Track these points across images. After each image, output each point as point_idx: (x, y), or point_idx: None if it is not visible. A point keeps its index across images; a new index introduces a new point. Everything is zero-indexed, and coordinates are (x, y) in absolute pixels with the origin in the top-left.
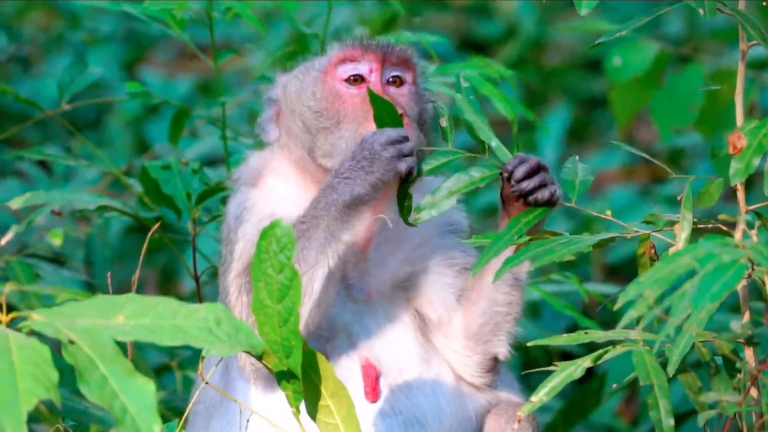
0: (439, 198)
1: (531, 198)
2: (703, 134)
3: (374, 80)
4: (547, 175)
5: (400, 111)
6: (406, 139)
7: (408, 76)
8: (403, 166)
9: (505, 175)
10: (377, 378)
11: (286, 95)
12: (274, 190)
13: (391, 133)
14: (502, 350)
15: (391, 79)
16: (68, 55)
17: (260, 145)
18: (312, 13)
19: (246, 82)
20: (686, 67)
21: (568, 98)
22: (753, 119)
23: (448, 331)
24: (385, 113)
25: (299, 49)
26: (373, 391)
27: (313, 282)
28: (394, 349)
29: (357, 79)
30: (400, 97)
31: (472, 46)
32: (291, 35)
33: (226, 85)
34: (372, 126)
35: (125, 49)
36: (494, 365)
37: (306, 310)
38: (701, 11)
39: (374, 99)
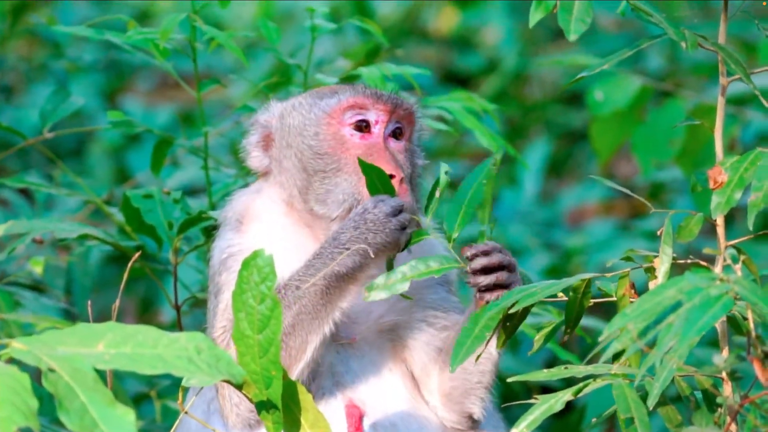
0: (393, 281)
1: (479, 296)
2: (684, 169)
3: (379, 131)
4: (508, 274)
5: (395, 172)
6: (404, 208)
7: (408, 131)
8: (403, 239)
9: (467, 256)
10: (361, 418)
11: (282, 126)
12: (260, 235)
13: (392, 203)
14: (476, 411)
15: (393, 132)
16: (50, 83)
17: (243, 172)
18: (295, 43)
19: (228, 112)
20: (667, 102)
21: (548, 132)
22: (734, 154)
23: (427, 385)
24: (377, 180)
25: (282, 79)
26: (356, 431)
27: (306, 346)
28: (378, 390)
29: (363, 127)
30: (398, 153)
31: (454, 79)
32: (274, 66)
33: (208, 115)
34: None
35: (107, 79)
36: (472, 420)
37: (297, 371)
38: (683, 44)
39: (365, 167)
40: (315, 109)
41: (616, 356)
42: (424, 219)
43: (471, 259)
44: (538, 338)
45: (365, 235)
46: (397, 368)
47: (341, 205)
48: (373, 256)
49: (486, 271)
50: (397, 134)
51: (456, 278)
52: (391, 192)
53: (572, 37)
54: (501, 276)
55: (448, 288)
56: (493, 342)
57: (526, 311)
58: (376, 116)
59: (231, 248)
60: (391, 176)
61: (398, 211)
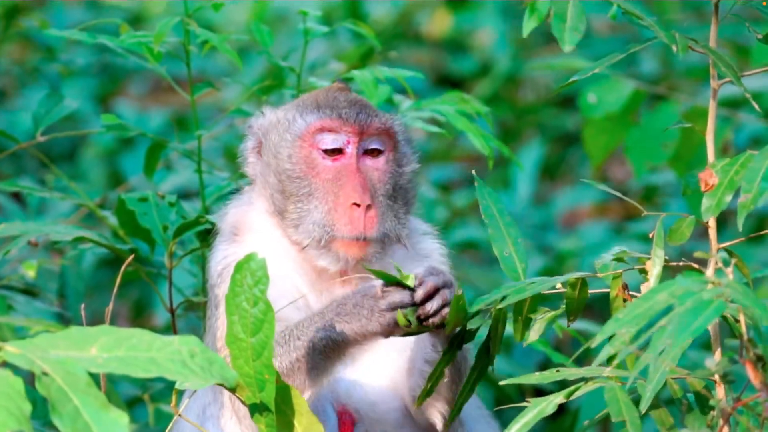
0: None
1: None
2: (678, 172)
3: (350, 152)
4: (449, 290)
5: (359, 200)
6: (403, 305)
7: (388, 144)
8: (398, 333)
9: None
10: (353, 424)
11: (266, 142)
12: (256, 246)
13: (395, 299)
14: (438, 423)
15: (369, 149)
16: (43, 87)
17: (236, 176)
18: (288, 47)
19: (221, 115)
20: (660, 105)
21: (542, 135)
22: (727, 157)
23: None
24: (385, 278)
25: (275, 83)
26: None
27: (305, 387)
28: (371, 397)
29: (334, 151)
30: (374, 171)
31: (448, 82)
32: (267, 69)
33: (201, 119)
34: (340, 207)
35: (100, 82)
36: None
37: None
38: (674, 47)
39: (374, 271)
40: (289, 129)
41: (611, 359)
42: (417, 224)
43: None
44: (538, 327)
45: (359, 319)
46: (389, 374)
47: (311, 234)
48: (366, 333)
49: (430, 296)
50: (374, 152)
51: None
52: (404, 280)
53: (567, 48)
54: (444, 294)
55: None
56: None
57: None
58: (347, 138)
59: (227, 259)
60: (357, 204)
61: (400, 306)
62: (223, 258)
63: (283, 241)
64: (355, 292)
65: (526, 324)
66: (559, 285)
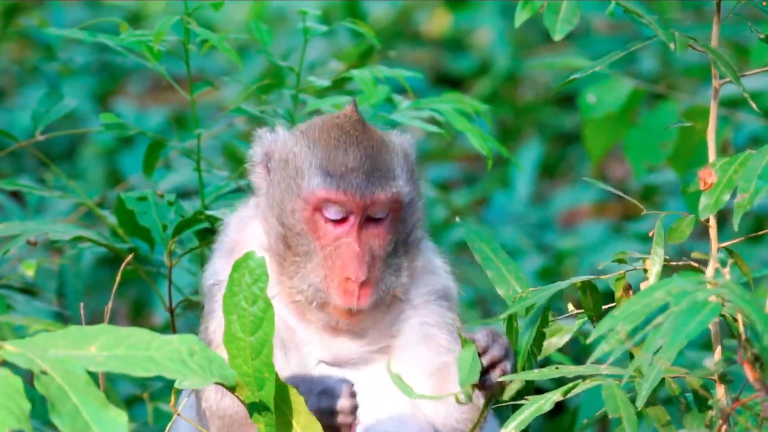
0: None
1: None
2: (677, 171)
3: (352, 221)
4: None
5: (353, 276)
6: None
7: (393, 208)
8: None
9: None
10: (353, 427)
11: (272, 178)
12: None
13: (331, 405)
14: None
15: (372, 216)
16: (42, 86)
17: (235, 174)
18: (287, 46)
19: (221, 114)
20: (660, 104)
21: (541, 134)
22: (726, 157)
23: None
24: None
25: (274, 82)
26: None
27: None
28: (372, 398)
29: (338, 220)
30: (376, 237)
31: (447, 81)
32: (266, 68)
33: (200, 118)
34: (336, 277)
35: (99, 81)
36: None
37: None
38: (672, 46)
39: None
40: (295, 183)
41: (607, 356)
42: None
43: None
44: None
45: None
46: (402, 360)
47: (304, 293)
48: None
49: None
50: (378, 217)
51: (457, 293)
52: (465, 345)
53: (557, 36)
54: (504, 367)
55: (448, 305)
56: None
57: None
58: (351, 209)
59: (218, 276)
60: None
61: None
62: (214, 274)
63: (279, 268)
64: (311, 386)
65: (540, 338)
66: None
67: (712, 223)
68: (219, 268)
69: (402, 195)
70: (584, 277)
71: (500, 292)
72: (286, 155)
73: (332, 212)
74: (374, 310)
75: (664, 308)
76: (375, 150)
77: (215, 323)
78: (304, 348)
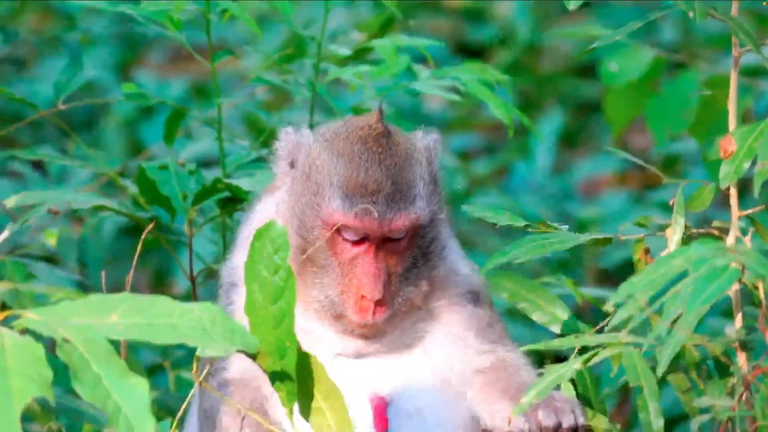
0: None
1: None
2: (698, 140)
3: (371, 242)
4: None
5: (369, 294)
6: None
7: (413, 230)
8: None
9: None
10: (385, 407)
11: (293, 186)
12: None
13: None
14: None
15: (391, 237)
16: (63, 56)
17: (257, 144)
18: (308, 15)
19: (242, 84)
20: (681, 74)
21: (562, 103)
22: (746, 125)
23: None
24: None
25: (296, 51)
26: (381, 422)
27: None
28: (404, 378)
29: (355, 241)
30: (393, 255)
31: (467, 51)
32: (287, 38)
33: (221, 87)
34: (352, 293)
35: (120, 51)
36: None
37: None
38: (691, 14)
39: None
40: (316, 201)
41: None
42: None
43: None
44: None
45: None
46: (430, 354)
47: (321, 304)
48: None
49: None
50: (397, 237)
51: (485, 293)
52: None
53: (571, 6)
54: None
55: (475, 307)
56: None
57: None
58: (369, 233)
59: (235, 274)
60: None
61: None
62: (232, 271)
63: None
64: None
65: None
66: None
67: (733, 191)
68: (236, 264)
69: (422, 218)
70: (603, 234)
71: (536, 318)
72: (309, 168)
73: (350, 234)
74: (394, 318)
75: (683, 276)
76: (397, 168)
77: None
78: (321, 343)
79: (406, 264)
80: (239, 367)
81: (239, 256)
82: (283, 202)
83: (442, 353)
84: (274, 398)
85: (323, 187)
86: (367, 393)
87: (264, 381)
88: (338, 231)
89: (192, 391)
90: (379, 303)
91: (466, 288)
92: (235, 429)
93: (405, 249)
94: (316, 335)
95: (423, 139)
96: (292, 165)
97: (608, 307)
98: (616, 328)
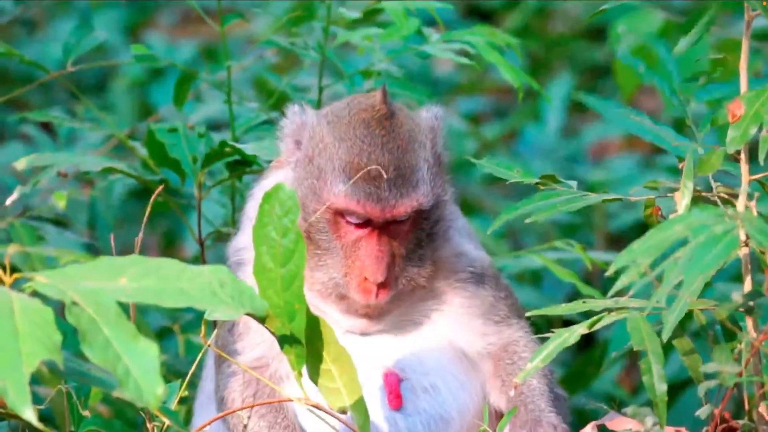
0: None
1: None
2: (708, 104)
3: (372, 227)
4: None
5: (372, 277)
6: None
7: (416, 213)
8: None
9: None
10: (399, 383)
11: (297, 169)
12: None
13: None
14: None
15: (394, 220)
16: (73, 18)
17: (266, 106)
18: None
19: (251, 46)
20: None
21: (572, 67)
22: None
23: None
24: None
25: (305, 14)
26: (396, 398)
27: None
28: (417, 354)
29: (358, 224)
30: (396, 237)
31: (477, 14)
32: (296, 0)
33: (231, 50)
34: (355, 275)
35: (129, 13)
36: None
37: None
38: None
39: None
40: (319, 185)
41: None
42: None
43: None
44: None
45: None
46: (438, 333)
47: (325, 285)
48: None
49: None
50: (400, 220)
51: (492, 272)
52: None
53: None
54: None
55: (482, 287)
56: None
57: None
58: (371, 218)
59: (241, 254)
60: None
61: None
62: (237, 251)
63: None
64: None
65: None
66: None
67: (743, 156)
68: (243, 245)
69: (425, 202)
70: (614, 196)
71: None
72: (312, 151)
73: (353, 218)
74: (395, 299)
75: (684, 242)
76: (401, 152)
77: (243, 323)
78: (327, 319)
79: (409, 246)
80: (251, 354)
81: (244, 236)
82: (287, 180)
83: (448, 334)
84: (285, 384)
85: (326, 172)
86: (379, 369)
87: (276, 367)
88: (341, 214)
89: (200, 354)
90: (382, 285)
91: (470, 268)
92: (245, 414)
93: (408, 231)
94: (321, 312)
95: (428, 119)
96: (297, 144)
97: (610, 273)
98: (620, 293)
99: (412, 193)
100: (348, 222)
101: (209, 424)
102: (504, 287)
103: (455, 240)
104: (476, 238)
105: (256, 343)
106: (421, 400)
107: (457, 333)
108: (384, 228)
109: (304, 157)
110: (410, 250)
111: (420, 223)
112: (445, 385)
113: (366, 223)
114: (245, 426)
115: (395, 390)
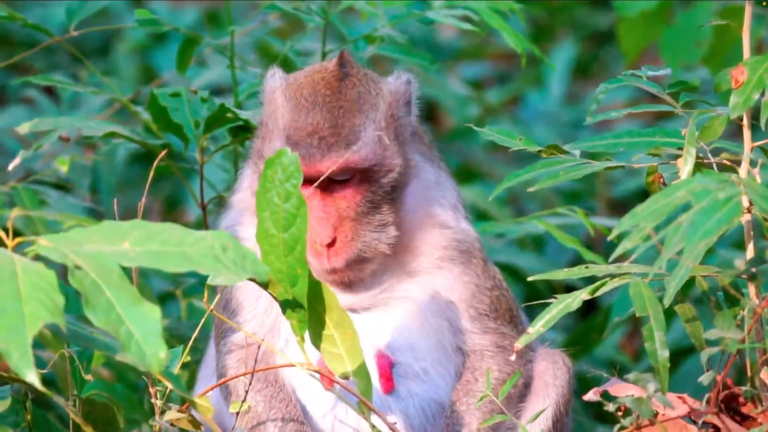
0: None
1: None
2: (712, 71)
3: (314, 187)
4: None
5: (318, 238)
6: None
7: (354, 171)
8: None
9: None
10: (390, 366)
11: (260, 122)
12: (250, 244)
13: None
14: None
15: (336, 179)
16: None
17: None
18: None
19: (254, 11)
20: (695, 3)
21: (575, 33)
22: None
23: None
24: None
25: None
26: (387, 382)
27: None
28: (407, 337)
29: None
30: (341, 200)
31: None
32: None
33: (234, 15)
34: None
35: None
36: None
37: None
38: None
39: None
40: (267, 145)
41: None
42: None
43: None
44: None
45: None
46: (430, 317)
47: None
48: None
49: None
50: (341, 181)
51: (475, 244)
52: None
53: None
54: None
55: (465, 262)
56: None
57: None
58: (307, 175)
59: (231, 229)
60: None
61: None
62: (227, 227)
63: None
64: None
65: None
66: None
67: (746, 122)
68: (229, 225)
69: (361, 159)
70: (617, 164)
71: None
72: (268, 113)
73: None
74: (361, 265)
75: (688, 206)
76: (342, 111)
77: (235, 300)
78: None
79: (362, 208)
80: (248, 329)
81: (226, 219)
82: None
83: (431, 319)
84: (277, 359)
85: (271, 132)
86: (370, 351)
87: (269, 341)
88: None
89: (203, 319)
90: (333, 247)
91: (454, 243)
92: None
93: (355, 192)
94: None
95: (392, 84)
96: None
97: (612, 237)
98: (622, 258)
99: (341, 150)
100: None
101: (208, 391)
102: (490, 276)
103: (434, 209)
104: (464, 211)
105: (247, 320)
106: (413, 384)
107: (438, 318)
108: (327, 189)
109: (262, 120)
110: (363, 213)
111: (369, 185)
112: (436, 370)
113: (306, 183)
114: (244, 400)
115: (386, 373)
